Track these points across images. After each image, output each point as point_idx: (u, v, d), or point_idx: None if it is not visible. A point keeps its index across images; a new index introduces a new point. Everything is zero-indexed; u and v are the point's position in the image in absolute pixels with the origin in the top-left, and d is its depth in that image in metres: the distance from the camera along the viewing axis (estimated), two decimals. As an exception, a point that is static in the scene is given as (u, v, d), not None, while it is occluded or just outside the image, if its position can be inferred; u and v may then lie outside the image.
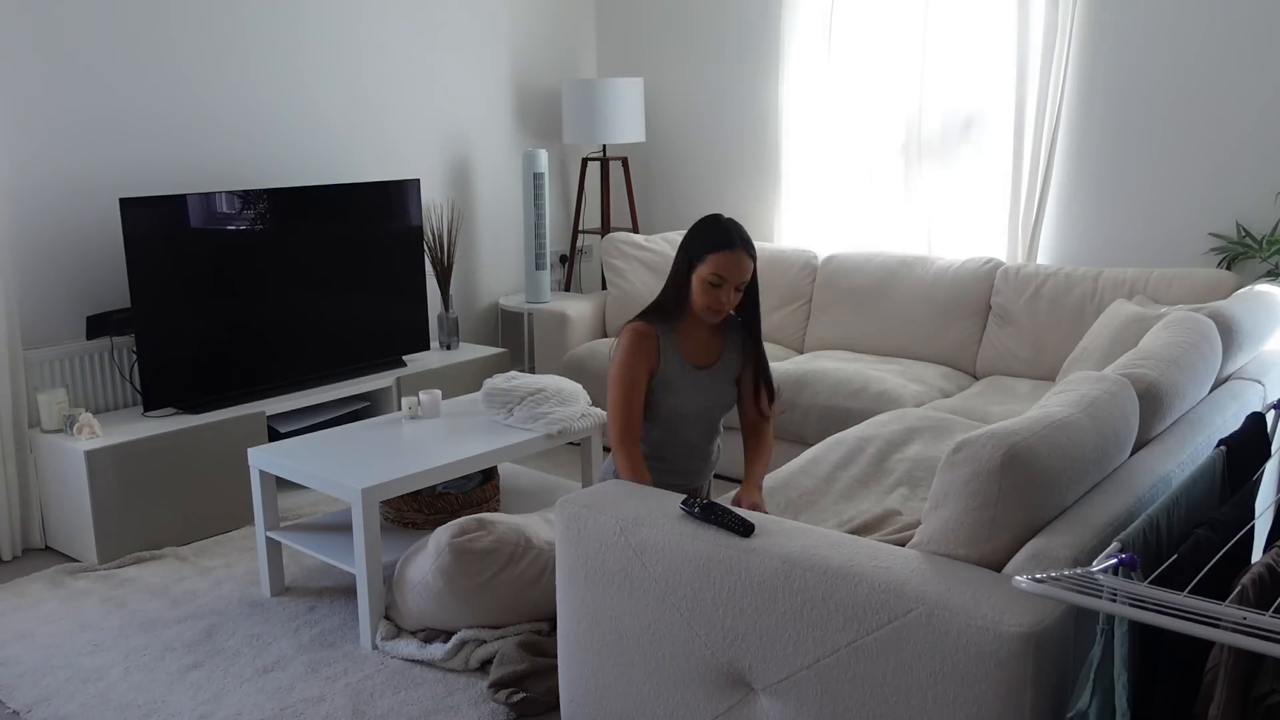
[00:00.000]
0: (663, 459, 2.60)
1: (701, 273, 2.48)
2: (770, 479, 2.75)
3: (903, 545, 1.97)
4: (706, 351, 2.60)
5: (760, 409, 2.66)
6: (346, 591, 3.17)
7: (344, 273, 4.15)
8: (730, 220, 2.52)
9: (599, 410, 3.40)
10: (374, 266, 4.25)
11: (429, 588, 2.74)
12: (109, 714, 2.53)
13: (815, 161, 4.77)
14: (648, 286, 4.60)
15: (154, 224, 3.54)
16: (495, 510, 3.26)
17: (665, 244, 4.72)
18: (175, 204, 3.60)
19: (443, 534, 2.75)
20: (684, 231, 2.69)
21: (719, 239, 2.48)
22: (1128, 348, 2.87)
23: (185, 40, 3.90)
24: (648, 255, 4.67)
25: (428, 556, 2.76)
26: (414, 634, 2.82)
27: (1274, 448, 2.27)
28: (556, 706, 2.50)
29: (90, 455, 3.34)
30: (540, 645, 2.66)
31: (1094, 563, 1.47)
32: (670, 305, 2.56)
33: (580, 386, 3.46)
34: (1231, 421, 2.45)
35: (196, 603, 3.13)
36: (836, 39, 4.61)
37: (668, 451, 2.61)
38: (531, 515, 2.97)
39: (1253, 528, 1.87)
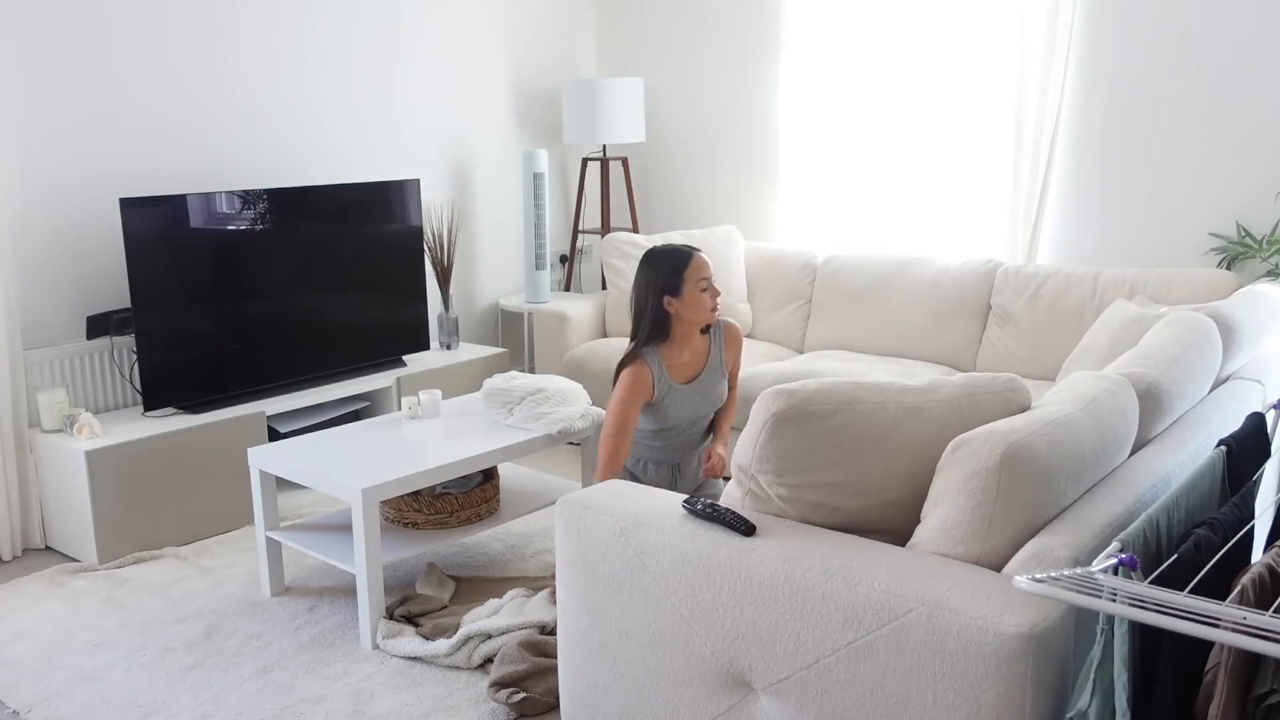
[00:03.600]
0: (659, 446, 3.00)
1: (689, 288, 2.83)
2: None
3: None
4: (693, 364, 2.96)
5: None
6: (346, 591, 3.17)
7: (344, 273, 4.15)
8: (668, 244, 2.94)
9: (599, 410, 3.40)
10: (374, 266, 4.26)
11: None
12: (109, 714, 2.53)
13: (815, 161, 4.77)
14: (648, 286, 4.60)
15: (154, 224, 3.55)
16: (495, 510, 3.26)
17: (665, 244, 4.72)
18: (175, 204, 3.60)
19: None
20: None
21: (681, 256, 2.84)
22: (1128, 348, 2.87)
23: (186, 40, 3.90)
24: (648, 255, 4.67)
25: None
26: (416, 631, 2.82)
27: (1274, 448, 2.27)
28: (556, 706, 2.50)
29: (90, 455, 3.34)
30: (540, 645, 2.66)
31: (1094, 563, 1.47)
32: (654, 336, 2.88)
33: (580, 386, 3.46)
34: (1231, 421, 2.45)
35: (196, 603, 3.13)
36: (836, 39, 4.61)
37: (662, 442, 3.00)
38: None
39: (1253, 528, 1.87)
